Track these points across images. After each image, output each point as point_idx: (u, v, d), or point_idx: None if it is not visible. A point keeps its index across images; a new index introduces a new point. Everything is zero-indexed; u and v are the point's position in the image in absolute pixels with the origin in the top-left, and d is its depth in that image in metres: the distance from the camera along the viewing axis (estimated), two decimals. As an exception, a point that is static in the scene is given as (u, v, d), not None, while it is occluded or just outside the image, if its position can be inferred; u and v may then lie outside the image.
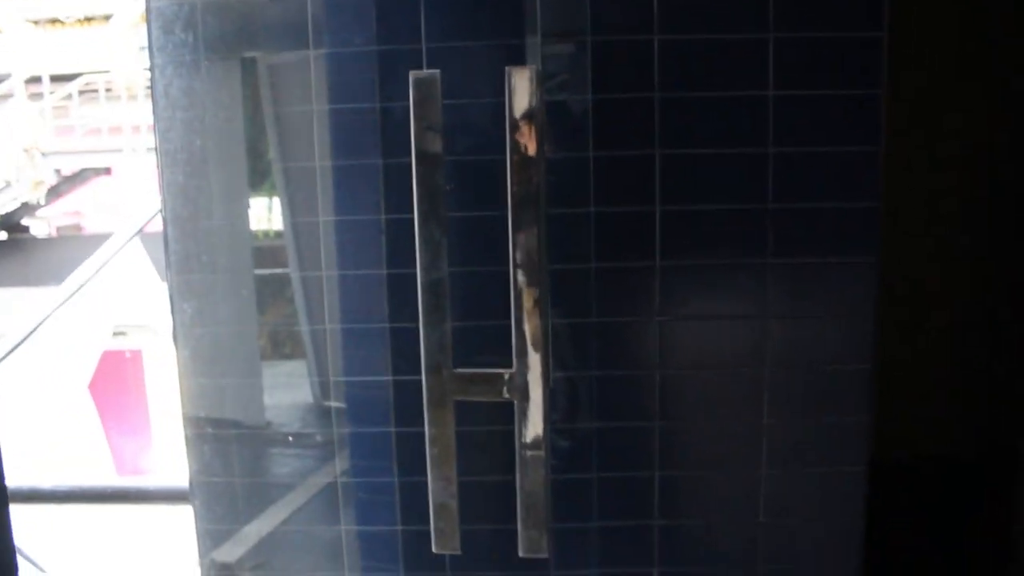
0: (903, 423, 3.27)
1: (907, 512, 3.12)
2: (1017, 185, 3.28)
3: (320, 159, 1.56)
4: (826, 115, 1.46)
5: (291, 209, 1.62)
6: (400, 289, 1.47)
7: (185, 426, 1.67)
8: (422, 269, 1.31)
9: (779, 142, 1.46)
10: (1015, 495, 2.63)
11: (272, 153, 1.61)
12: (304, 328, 1.63)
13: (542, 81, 1.35)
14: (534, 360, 1.30)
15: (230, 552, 1.69)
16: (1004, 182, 3.29)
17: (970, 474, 3.29)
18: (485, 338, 1.46)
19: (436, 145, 1.29)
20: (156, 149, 1.60)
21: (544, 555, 1.36)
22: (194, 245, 1.63)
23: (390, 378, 1.57)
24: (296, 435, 1.67)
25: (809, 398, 1.53)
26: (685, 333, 1.52)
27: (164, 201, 1.61)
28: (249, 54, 1.57)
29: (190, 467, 1.67)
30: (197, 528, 1.69)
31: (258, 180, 1.64)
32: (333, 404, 1.63)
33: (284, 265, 1.64)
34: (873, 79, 1.44)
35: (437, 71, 1.30)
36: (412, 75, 1.30)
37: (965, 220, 3.31)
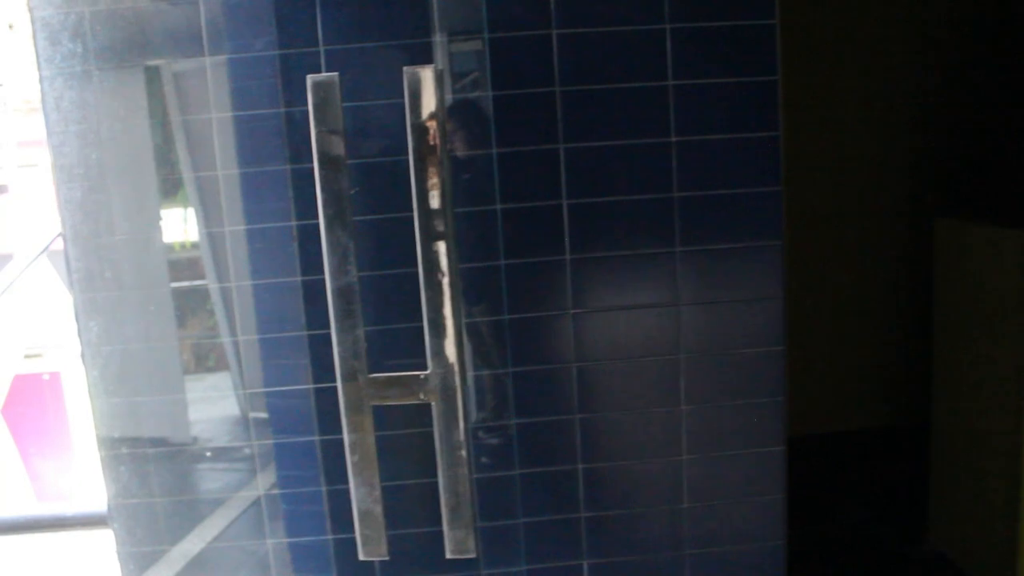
0: (821, 399, 3.36)
1: (829, 482, 3.20)
2: (918, 166, 3.38)
3: (227, 167, 1.53)
4: (725, 103, 1.48)
5: (204, 219, 1.59)
6: (316, 296, 1.45)
7: (100, 448, 1.62)
8: (330, 275, 1.29)
9: (681, 131, 1.47)
10: (926, 459, 2.72)
11: (180, 163, 1.57)
12: (225, 340, 1.60)
13: (442, 80, 1.34)
14: (449, 361, 1.29)
15: (157, 575, 1.65)
16: (903, 163, 3.39)
17: (885, 442, 3.39)
18: (400, 341, 1.45)
19: (338, 148, 1.28)
20: (51, 164, 1.55)
21: (472, 555, 1.36)
22: (97, 262, 1.58)
23: (311, 386, 1.55)
24: (219, 450, 1.64)
25: (725, 382, 1.56)
26: (599, 325, 1.53)
27: (63, 218, 1.56)
28: (148, 62, 1.53)
29: (108, 490, 1.62)
30: (119, 552, 1.64)
31: (168, 191, 1.60)
32: (255, 416, 1.60)
33: (201, 277, 1.60)
34: (768, 66, 1.47)
35: (336, 74, 1.28)
36: (310, 79, 1.28)
37: (863, 199, 3.40)
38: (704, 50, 1.46)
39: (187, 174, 1.57)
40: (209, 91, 1.51)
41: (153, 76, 1.54)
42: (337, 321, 1.30)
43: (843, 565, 2.72)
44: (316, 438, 1.56)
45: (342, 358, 1.31)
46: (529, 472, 1.56)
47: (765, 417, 1.56)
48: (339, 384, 1.33)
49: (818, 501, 2.95)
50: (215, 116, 1.51)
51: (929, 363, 2.65)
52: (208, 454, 1.63)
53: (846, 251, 3.41)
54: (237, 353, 1.60)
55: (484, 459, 1.55)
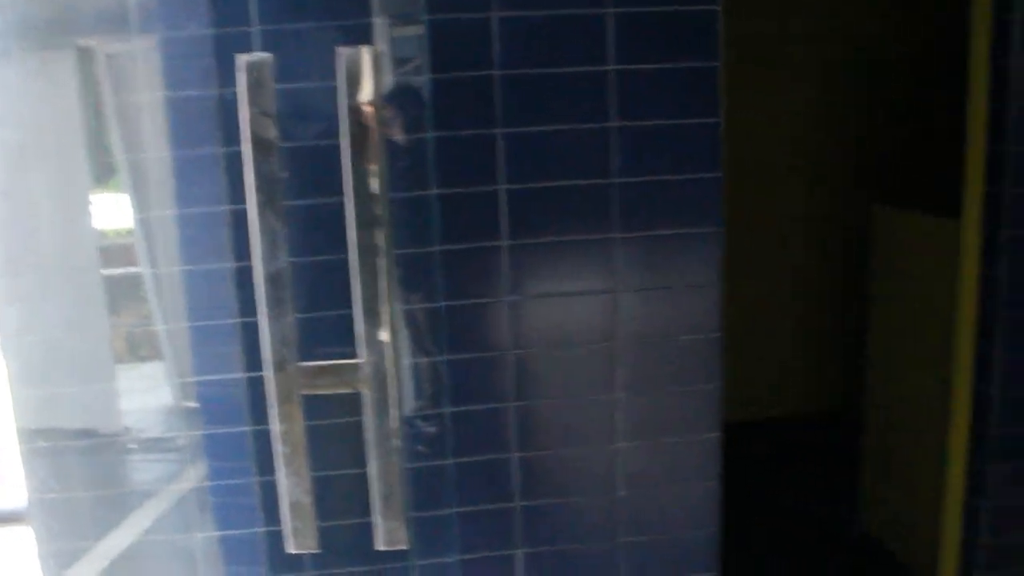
0: (756, 385, 3.39)
1: (763, 467, 3.24)
2: (855, 154, 3.43)
3: (159, 150, 1.48)
4: (665, 88, 1.47)
5: (136, 204, 1.54)
6: (249, 283, 1.41)
7: (20, 440, 1.56)
8: (261, 261, 1.26)
9: (621, 117, 1.47)
10: (859, 443, 2.76)
11: (112, 146, 1.52)
12: (157, 328, 1.55)
13: (380, 63, 1.32)
14: (381, 348, 1.27)
15: (80, 573, 1.60)
16: (840, 150, 3.42)
17: (819, 427, 3.44)
18: (332, 329, 1.42)
19: (270, 131, 1.24)
20: (-33, 146, 1.49)
21: (404, 546, 1.34)
22: (18, 247, 1.52)
23: (243, 375, 1.51)
24: (148, 441, 1.59)
25: (660, 370, 1.56)
26: (537, 312, 1.52)
27: (-20, 201, 1.50)
28: (76, 41, 1.47)
29: (28, 484, 1.56)
30: (39, 550, 1.59)
31: (98, 175, 1.55)
32: (186, 406, 1.56)
33: (132, 263, 1.55)
34: (710, 52, 1.46)
35: (269, 54, 1.24)
36: (240, 59, 1.24)
37: (803, 189, 3.44)
38: (646, 35, 1.46)
39: (118, 157, 1.52)
40: (139, 72, 1.46)
41: (82, 57, 1.49)
42: (267, 308, 1.27)
43: (775, 548, 2.74)
44: (248, 428, 1.53)
45: (272, 346, 1.28)
46: (463, 461, 1.54)
47: (701, 404, 1.56)
48: (268, 373, 1.29)
49: (752, 486, 2.98)
50: (147, 98, 1.47)
51: (863, 349, 2.68)
52: (134, 446, 1.58)
53: (781, 238, 3.44)
54: (170, 342, 1.56)
55: (417, 448, 1.53)
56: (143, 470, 1.61)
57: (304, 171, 1.43)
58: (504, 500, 1.56)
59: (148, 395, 1.59)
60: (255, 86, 1.22)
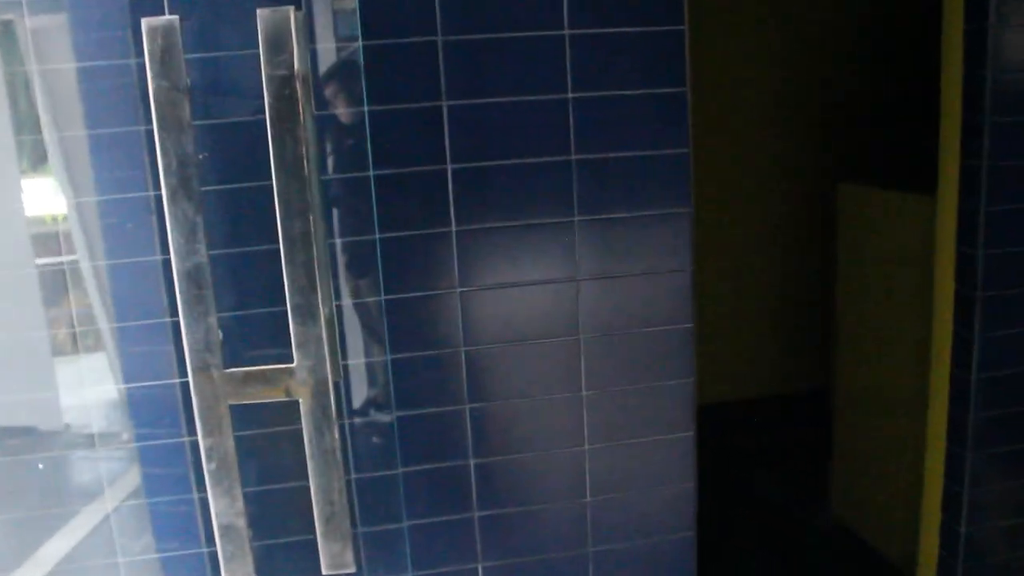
0: (724, 366, 3.32)
1: (732, 450, 3.16)
2: (820, 131, 3.35)
3: (72, 128, 1.32)
4: (628, 55, 1.34)
5: (69, 188, 1.38)
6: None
7: None
8: (176, 254, 1.11)
9: (579, 87, 1.33)
10: (830, 425, 2.69)
11: (41, 125, 1.35)
12: (100, 318, 1.40)
13: (305, 26, 1.17)
14: (317, 351, 1.12)
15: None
16: (805, 127, 3.35)
17: (789, 408, 3.39)
18: (263, 328, 1.28)
19: (181, 106, 1.09)
20: None
21: (350, 570, 1.20)
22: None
23: (176, 381, 1.36)
24: (89, 438, 1.44)
25: (629, 364, 1.43)
26: (490, 304, 1.38)
27: None
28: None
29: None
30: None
31: (33, 158, 1.38)
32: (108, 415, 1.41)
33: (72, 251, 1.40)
34: (674, 14, 1.33)
35: (175, 17, 1.09)
36: (145, 22, 1.08)
37: (764, 163, 3.37)
38: (604, -4, 1.32)
39: (47, 137, 1.35)
40: (64, 45, 1.30)
41: (4, 31, 1.33)
42: (185, 307, 1.12)
43: (745, 536, 2.67)
44: (185, 439, 1.38)
45: (192, 350, 1.13)
46: (414, 470, 1.40)
47: (673, 400, 1.44)
48: (190, 379, 1.15)
49: (722, 471, 2.90)
50: (71, 72, 1.30)
51: (831, 328, 2.61)
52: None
53: (747, 216, 3.37)
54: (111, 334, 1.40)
55: (362, 458, 1.39)
56: (86, 470, 1.46)
57: (228, 151, 1.28)
58: (461, 511, 1.43)
59: (90, 389, 1.44)
60: (160, 54, 1.07)
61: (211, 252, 1.13)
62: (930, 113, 1.90)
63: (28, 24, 1.33)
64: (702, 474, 1.54)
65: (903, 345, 2.25)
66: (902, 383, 2.27)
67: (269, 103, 1.08)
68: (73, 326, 1.42)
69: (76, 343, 1.44)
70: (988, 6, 1.65)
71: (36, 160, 1.41)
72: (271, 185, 1.11)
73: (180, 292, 1.12)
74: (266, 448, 1.35)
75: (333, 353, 1.15)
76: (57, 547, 1.46)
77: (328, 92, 1.31)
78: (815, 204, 3.12)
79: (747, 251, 3.40)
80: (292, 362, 1.14)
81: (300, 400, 1.14)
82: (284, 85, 1.08)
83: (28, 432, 1.44)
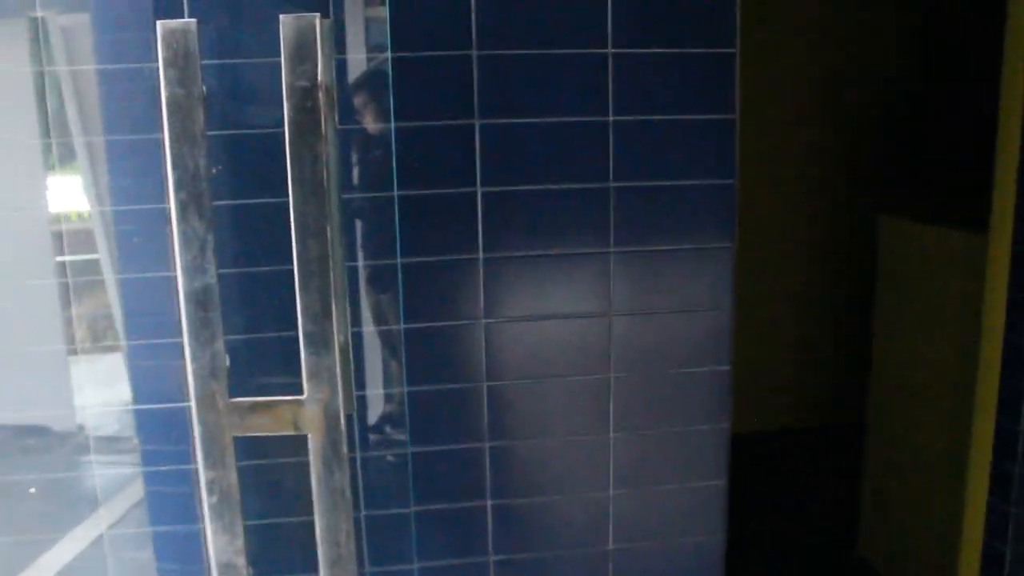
0: (758, 397, 3.24)
1: (763, 482, 3.07)
2: (859, 165, 3.28)
3: (93, 132, 1.26)
4: (674, 76, 1.26)
5: (92, 186, 1.33)
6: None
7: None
8: (183, 274, 1.03)
9: (621, 109, 1.25)
10: (861, 457, 2.60)
11: (69, 124, 1.30)
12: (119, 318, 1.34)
13: (331, 35, 1.09)
14: (329, 382, 1.04)
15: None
16: (844, 162, 3.28)
17: (823, 441, 3.31)
18: (273, 354, 1.20)
19: (195, 114, 1.01)
20: None
21: (355, 615, 1.12)
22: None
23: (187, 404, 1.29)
24: (103, 441, 1.37)
25: (661, 406, 1.35)
26: (516, 337, 1.30)
27: None
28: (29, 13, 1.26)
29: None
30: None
31: (61, 155, 1.33)
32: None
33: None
34: (726, 35, 1.25)
35: (193, 20, 1.02)
36: (160, 25, 1.01)
37: (803, 197, 3.31)
38: (653, 14, 1.24)
39: (76, 137, 1.30)
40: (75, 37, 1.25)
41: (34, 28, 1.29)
42: (191, 331, 1.04)
43: (773, 571, 2.59)
44: (193, 466, 1.31)
45: (197, 377, 1.05)
46: (428, 509, 1.32)
47: (707, 445, 1.36)
48: (193, 408, 1.07)
49: (748, 503, 2.81)
50: (78, 69, 1.25)
51: (868, 365, 2.53)
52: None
53: (785, 249, 3.31)
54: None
55: (373, 494, 1.31)
56: (96, 474, 1.39)
57: (244, 164, 1.21)
58: (476, 554, 1.34)
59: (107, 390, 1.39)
60: (175, 60, 1.00)
61: (221, 271, 1.06)
62: (984, 146, 1.82)
63: (59, 22, 1.29)
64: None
65: (942, 388, 2.16)
66: (940, 429, 2.18)
67: (289, 115, 1.01)
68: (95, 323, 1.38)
69: (101, 340, 1.39)
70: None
71: (63, 158, 1.36)
72: (287, 202, 1.04)
73: (186, 315, 1.04)
74: (271, 479, 1.28)
75: (347, 385, 1.07)
76: (55, 557, 1.40)
77: (356, 103, 1.23)
78: (856, 234, 3.04)
79: (783, 282, 3.33)
80: (302, 393, 1.06)
81: (309, 436, 1.06)
82: (306, 96, 1.00)
83: (42, 431, 1.39)
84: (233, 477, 1.08)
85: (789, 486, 3.13)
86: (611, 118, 1.26)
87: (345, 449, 1.06)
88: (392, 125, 1.21)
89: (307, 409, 1.06)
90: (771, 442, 3.34)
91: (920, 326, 2.28)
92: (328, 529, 1.09)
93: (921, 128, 3.22)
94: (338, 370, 1.05)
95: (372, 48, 1.23)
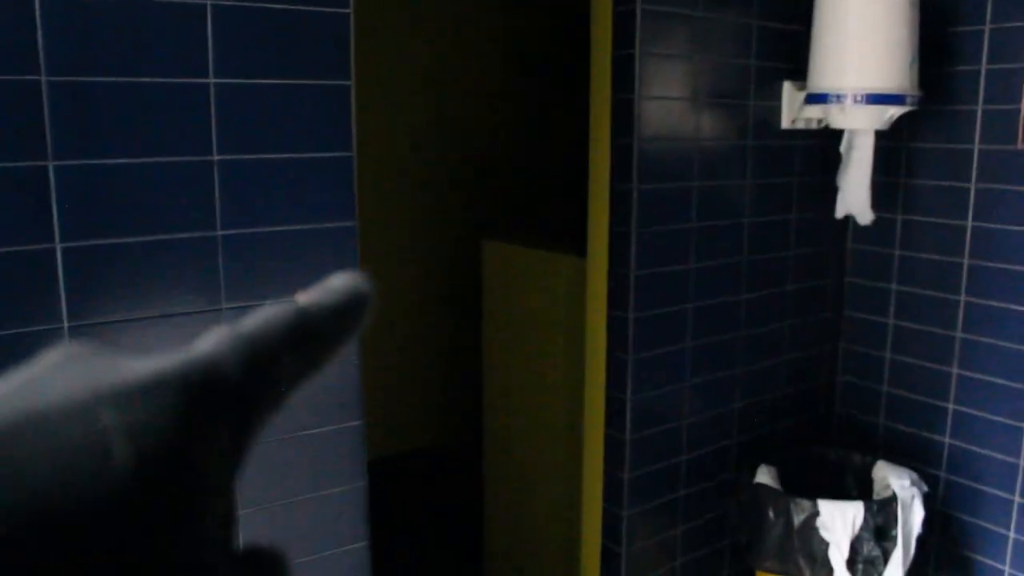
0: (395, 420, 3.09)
1: (381, 508, 2.92)
2: (469, 188, 3.35)
3: None
4: (288, 110, 1.22)
5: None
6: None
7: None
8: None
9: (221, 71, 1.15)
10: (481, 471, 2.58)
11: None
12: None
13: None
14: None
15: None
16: (454, 184, 3.33)
17: (443, 463, 3.21)
18: None
19: None
20: None
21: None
22: None
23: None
24: None
25: (286, 407, 1.27)
26: (114, 340, 1.14)
27: None
28: None
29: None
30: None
31: None
32: None
33: None
34: (343, 69, 1.23)
35: None
36: None
37: (413, 218, 3.24)
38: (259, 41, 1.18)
39: None
40: None
41: None
42: None
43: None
44: None
45: None
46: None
47: (342, 446, 1.27)
48: None
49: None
50: None
51: (480, 389, 2.54)
52: None
53: (398, 268, 3.18)
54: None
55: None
56: None
57: None
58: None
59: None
60: None
61: None
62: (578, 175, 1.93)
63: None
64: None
65: (554, 403, 2.24)
66: (554, 445, 2.26)
67: None
68: None
69: None
70: (633, 78, 1.74)
71: None
72: None
73: None
74: None
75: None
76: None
77: None
78: (465, 259, 3.00)
79: (395, 301, 3.19)
80: None
81: None
82: None
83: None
84: None
85: (416, 509, 2.99)
86: (212, 80, 1.16)
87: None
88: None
89: None
90: (405, 463, 3.20)
91: (526, 347, 2.34)
92: None
93: (533, 153, 3.35)
94: None
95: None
